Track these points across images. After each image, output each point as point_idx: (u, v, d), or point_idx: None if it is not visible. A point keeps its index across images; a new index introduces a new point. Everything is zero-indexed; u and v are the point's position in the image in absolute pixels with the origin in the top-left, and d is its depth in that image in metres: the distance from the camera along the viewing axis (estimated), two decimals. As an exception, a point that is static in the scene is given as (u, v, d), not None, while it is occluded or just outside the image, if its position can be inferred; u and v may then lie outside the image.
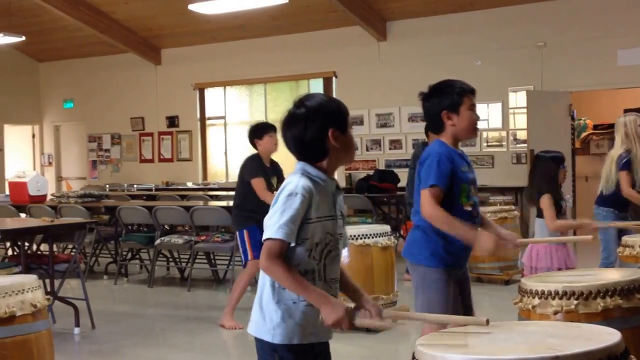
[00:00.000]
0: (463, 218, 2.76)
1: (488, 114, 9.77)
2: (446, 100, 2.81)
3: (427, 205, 2.73)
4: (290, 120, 2.03)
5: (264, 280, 2.03)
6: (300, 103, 2.03)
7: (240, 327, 4.89)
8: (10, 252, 7.04)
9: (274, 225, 1.94)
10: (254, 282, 6.40)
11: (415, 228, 2.92)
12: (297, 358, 2.00)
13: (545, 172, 4.00)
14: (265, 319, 2.00)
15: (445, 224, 2.71)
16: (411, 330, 4.86)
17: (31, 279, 3.04)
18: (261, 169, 4.85)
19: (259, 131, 4.88)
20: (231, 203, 7.17)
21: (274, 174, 4.91)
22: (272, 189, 4.80)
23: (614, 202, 4.94)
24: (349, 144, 2.05)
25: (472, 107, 2.84)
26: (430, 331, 2.77)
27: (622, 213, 4.97)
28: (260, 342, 2.04)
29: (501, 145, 9.72)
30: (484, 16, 9.63)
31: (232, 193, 9.23)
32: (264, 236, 1.96)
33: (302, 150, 2.02)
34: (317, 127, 1.99)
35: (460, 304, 2.92)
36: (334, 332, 2.05)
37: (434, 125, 2.89)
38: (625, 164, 4.81)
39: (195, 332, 5.01)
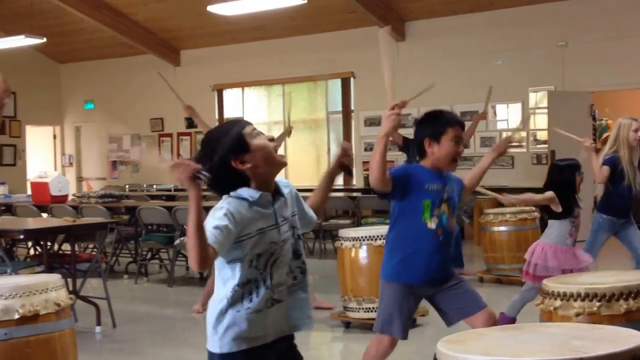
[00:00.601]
0: (424, 235, 2.84)
1: (508, 114, 9.71)
2: (429, 129, 2.94)
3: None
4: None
5: (213, 297, 2.07)
6: (198, 154, 2.03)
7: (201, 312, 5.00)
8: (32, 252, 7.14)
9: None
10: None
11: (386, 251, 3.03)
12: None
13: (560, 180, 4.04)
14: (213, 331, 2.03)
15: (372, 161, 2.71)
16: (429, 331, 4.85)
17: (55, 278, 3.07)
18: None
19: None
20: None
21: None
22: None
23: (612, 208, 4.82)
24: (261, 155, 2.00)
25: (456, 139, 2.90)
26: (378, 339, 3.02)
27: (621, 220, 4.85)
28: (211, 356, 2.05)
29: (521, 146, 9.66)
30: (504, 16, 9.57)
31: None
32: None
33: (224, 189, 2.01)
34: (220, 167, 1.97)
35: (460, 302, 2.96)
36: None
37: (418, 150, 3.00)
38: (608, 160, 4.75)
39: (214, 332, 5.04)
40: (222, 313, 2.01)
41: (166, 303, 6.26)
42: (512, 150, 9.71)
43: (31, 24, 10.45)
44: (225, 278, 2.01)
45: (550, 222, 4.13)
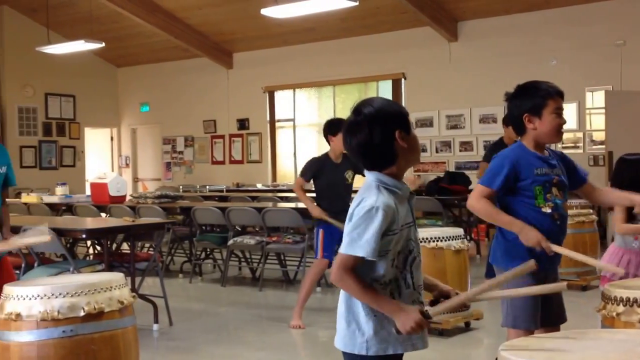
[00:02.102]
0: (540, 220, 2.72)
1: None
2: (529, 103, 2.77)
3: (473, 198, 2.78)
4: (354, 128, 1.96)
5: (349, 298, 1.97)
6: (360, 109, 1.96)
7: (302, 327, 5.00)
8: (91, 250, 7.36)
9: (355, 242, 1.88)
10: (324, 284, 6.46)
11: (497, 233, 2.90)
12: None
13: (630, 176, 3.88)
14: (357, 331, 1.94)
15: (487, 215, 2.76)
16: (484, 335, 4.79)
17: (118, 276, 3.15)
18: (310, 169, 5.04)
19: (334, 127, 4.93)
20: (300, 205, 7.30)
21: (348, 167, 5.01)
22: (347, 182, 5.03)
23: None
24: (415, 144, 1.99)
25: (558, 111, 2.76)
26: (515, 335, 2.73)
27: None
28: (351, 357, 1.96)
29: (577, 147, 9.44)
30: (559, 15, 9.37)
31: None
32: (342, 249, 1.91)
33: (371, 156, 1.96)
34: (382, 130, 1.93)
35: (550, 310, 2.85)
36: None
37: (516, 127, 2.85)
38: None
39: (266, 331, 5.10)
40: (369, 312, 1.92)
41: (220, 302, 6.36)
42: (568, 151, 9.52)
43: (90, 29, 10.78)
44: (362, 276, 1.92)
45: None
